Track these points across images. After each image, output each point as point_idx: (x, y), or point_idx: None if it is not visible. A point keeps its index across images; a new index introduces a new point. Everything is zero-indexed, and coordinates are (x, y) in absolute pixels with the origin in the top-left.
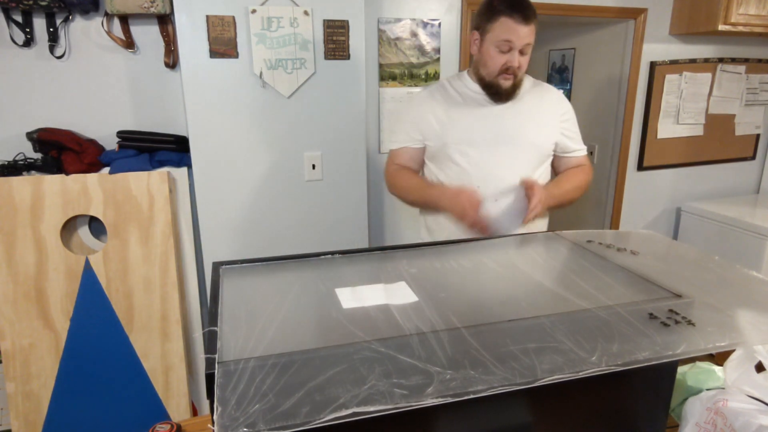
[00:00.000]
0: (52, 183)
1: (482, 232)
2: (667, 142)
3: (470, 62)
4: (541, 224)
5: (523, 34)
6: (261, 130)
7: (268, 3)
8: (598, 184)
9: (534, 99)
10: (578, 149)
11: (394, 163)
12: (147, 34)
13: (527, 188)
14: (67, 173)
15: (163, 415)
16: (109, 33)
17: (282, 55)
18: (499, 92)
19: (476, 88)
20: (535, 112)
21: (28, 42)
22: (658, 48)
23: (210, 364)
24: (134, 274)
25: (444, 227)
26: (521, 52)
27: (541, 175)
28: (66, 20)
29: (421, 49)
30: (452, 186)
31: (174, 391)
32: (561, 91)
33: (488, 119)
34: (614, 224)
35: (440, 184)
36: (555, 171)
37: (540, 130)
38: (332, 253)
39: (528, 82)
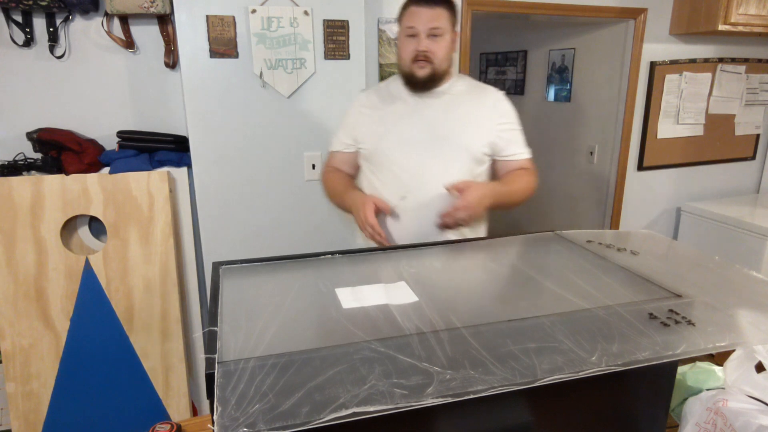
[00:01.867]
0: (52, 183)
1: (378, 240)
2: (667, 142)
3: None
4: (480, 230)
5: (425, 17)
6: (261, 130)
7: (268, 3)
8: (598, 184)
9: (471, 101)
10: (518, 152)
11: (328, 165)
12: (147, 34)
13: (457, 191)
14: (67, 173)
15: (163, 415)
16: (109, 33)
17: (282, 55)
18: (415, 81)
19: (405, 88)
20: (470, 113)
21: (28, 42)
22: (658, 48)
23: (210, 364)
24: (134, 274)
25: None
26: (431, 37)
27: (477, 179)
28: (66, 20)
29: None
30: (361, 194)
31: (174, 391)
32: (502, 92)
33: (421, 120)
34: (614, 224)
35: (355, 191)
36: (495, 175)
37: (474, 132)
38: (332, 253)
39: (465, 83)
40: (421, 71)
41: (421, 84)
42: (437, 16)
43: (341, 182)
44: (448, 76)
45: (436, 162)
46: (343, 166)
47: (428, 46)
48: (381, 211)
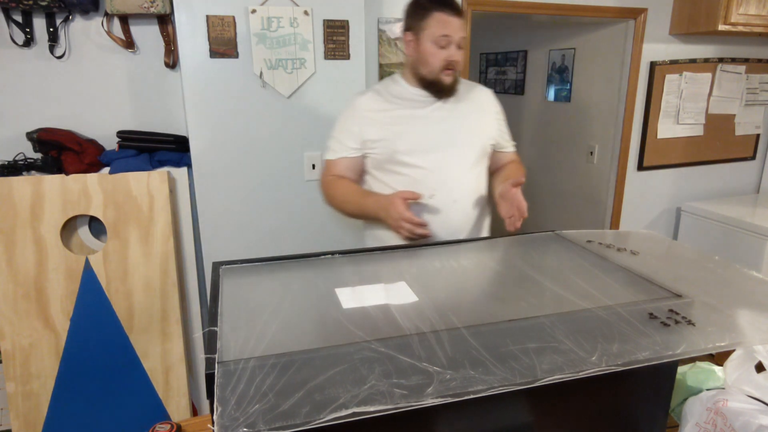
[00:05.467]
0: (52, 183)
1: (420, 233)
2: (667, 142)
3: (405, 65)
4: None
5: (458, 26)
6: (261, 130)
7: (268, 3)
8: (598, 183)
9: (472, 99)
10: (509, 145)
11: (330, 174)
12: (147, 34)
13: (509, 193)
14: (67, 173)
15: (163, 415)
16: (109, 33)
17: (282, 55)
18: (442, 89)
19: (415, 90)
20: (475, 111)
21: (28, 42)
22: (658, 48)
23: (210, 364)
24: (134, 274)
25: (392, 237)
26: (458, 46)
27: (482, 172)
28: (66, 20)
29: None
30: (385, 194)
31: (174, 391)
32: (488, 88)
33: (433, 122)
34: (614, 224)
35: (375, 193)
36: (490, 165)
37: (482, 129)
38: (332, 253)
39: (461, 82)
40: (449, 78)
41: (448, 91)
42: (463, 27)
43: (353, 188)
44: None
45: (454, 159)
46: (348, 173)
47: (457, 56)
48: (412, 204)
